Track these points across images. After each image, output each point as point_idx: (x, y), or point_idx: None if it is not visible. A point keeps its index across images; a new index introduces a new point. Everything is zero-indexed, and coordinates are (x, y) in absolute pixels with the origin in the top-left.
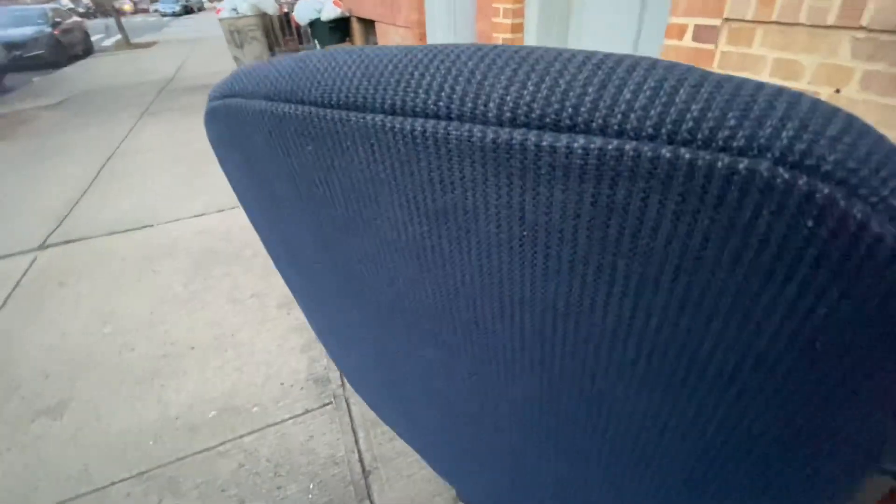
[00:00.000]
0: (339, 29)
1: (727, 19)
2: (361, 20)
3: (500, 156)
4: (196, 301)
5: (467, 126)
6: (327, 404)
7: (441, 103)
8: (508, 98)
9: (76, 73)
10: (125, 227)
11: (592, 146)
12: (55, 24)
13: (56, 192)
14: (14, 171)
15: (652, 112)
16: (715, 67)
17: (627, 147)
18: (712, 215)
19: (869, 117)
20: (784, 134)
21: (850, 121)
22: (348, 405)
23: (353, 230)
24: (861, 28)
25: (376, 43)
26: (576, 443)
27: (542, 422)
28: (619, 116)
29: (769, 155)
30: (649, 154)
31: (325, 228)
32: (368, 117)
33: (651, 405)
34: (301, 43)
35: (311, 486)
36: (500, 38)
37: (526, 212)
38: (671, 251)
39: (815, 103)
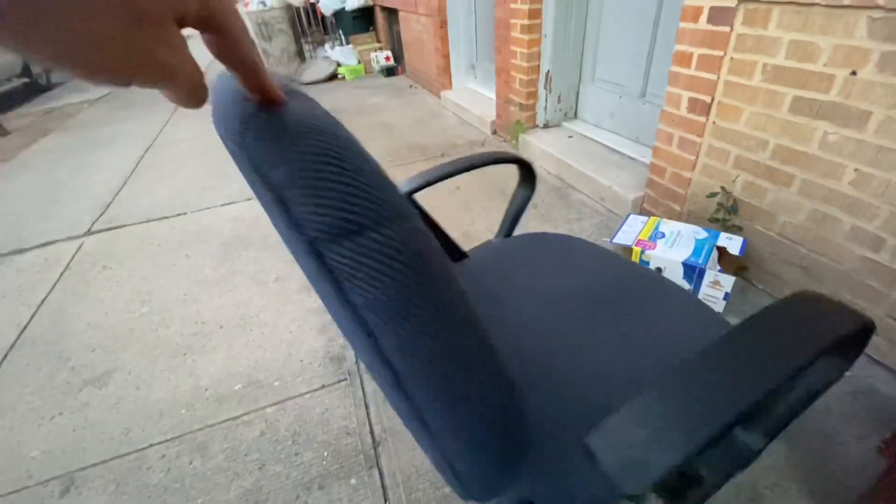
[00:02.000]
0: (363, 18)
1: (743, 0)
2: (385, 9)
3: None
4: (225, 283)
5: None
6: (342, 380)
7: None
8: None
9: None
10: (161, 215)
11: None
12: None
13: (100, 180)
14: (63, 161)
15: None
16: (730, 50)
17: None
18: None
19: (886, 100)
20: None
21: None
22: (361, 382)
23: None
24: (878, 7)
25: (399, 31)
26: None
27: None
28: None
29: None
30: None
31: None
32: None
33: None
34: (326, 33)
35: (326, 454)
36: (517, 24)
37: None
38: None
39: None
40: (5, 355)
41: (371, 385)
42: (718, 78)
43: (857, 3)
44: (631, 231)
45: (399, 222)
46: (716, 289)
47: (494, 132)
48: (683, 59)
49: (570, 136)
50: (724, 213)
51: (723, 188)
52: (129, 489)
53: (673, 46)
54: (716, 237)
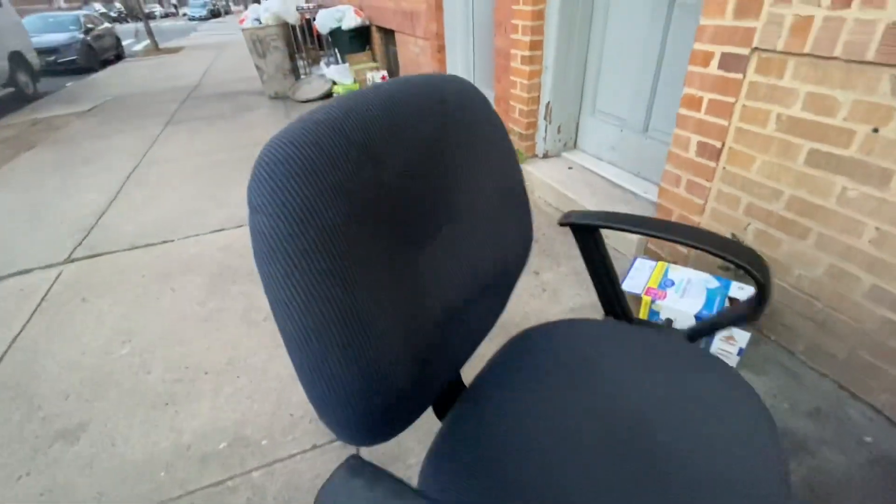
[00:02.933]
0: (360, 38)
1: (756, 49)
2: (381, 29)
3: None
4: (212, 321)
5: None
6: (335, 440)
7: None
8: None
9: (107, 79)
10: (146, 242)
11: None
12: (87, 31)
13: (84, 201)
14: (46, 179)
15: None
16: (742, 97)
17: None
18: None
19: None
20: None
21: None
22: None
23: None
24: None
25: (396, 52)
26: None
27: None
28: None
29: None
30: None
31: None
32: None
33: None
34: (321, 50)
35: None
36: (518, 54)
37: None
38: None
39: None
40: None
41: (367, 448)
42: (729, 124)
43: (879, 60)
44: (639, 277)
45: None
46: (730, 343)
47: None
48: (693, 103)
49: (570, 167)
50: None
51: (733, 235)
52: None
53: (678, 84)
54: (727, 286)
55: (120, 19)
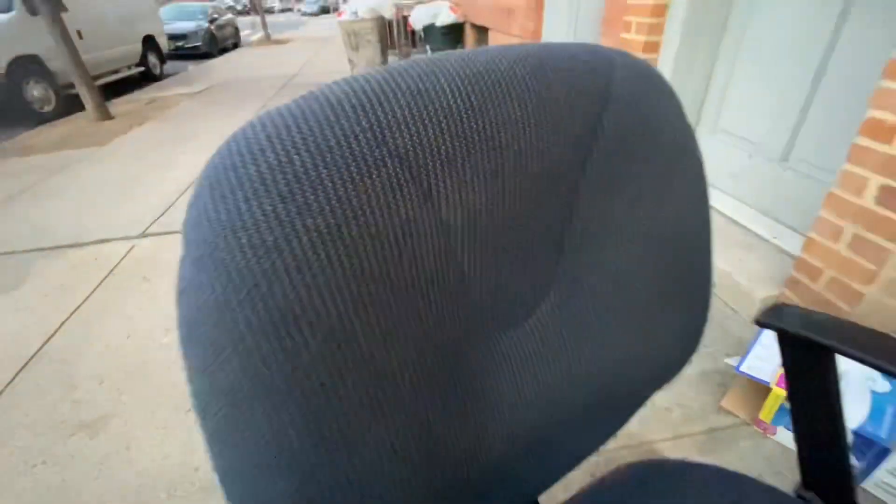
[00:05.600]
0: (453, 34)
1: None
2: (475, 27)
3: None
4: None
5: None
6: None
7: None
8: None
9: (221, 65)
10: None
11: None
12: (212, 20)
13: (172, 177)
14: (147, 154)
15: None
16: None
17: None
18: None
19: None
20: None
21: None
22: None
23: None
24: None
25: None
26: None
27: None
28: None
29: None
30: None
31: None
32: None
33: None
34: (414, 46)
35: None
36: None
37: None
38: None
39: None
40: (24, 365)
41: None
42: None
43: None
44: (765, 358)
45: None
46: None
47: None
48: (880, 131)
49: None
50: None
51: None
52: None
53: (849, 104)
54: None
55: (244, 12)
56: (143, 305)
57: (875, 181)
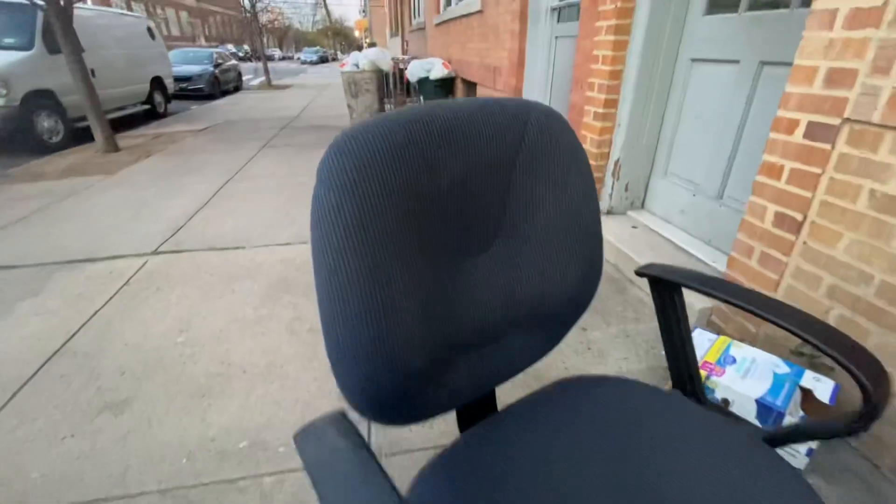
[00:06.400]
0: (444, 87)
1: (848, 119)
2: (465, 81)
3: None
4: (260, 325)
5: None
6: None
7: None
8: None
9: (224, 106)
10: (222, 245)
11: None
12: (217, 65)
13: (179, 204)
14: (154, 182)
15: None
16: (830, 169)
17: None
18: None
19: None
20: None
21: None
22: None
23: None
24: None
25: None
26: None
27: None
28: None
29: None
30: None
31: None
32: None
33: None
34: (408, 96)
35: None
36: (591, 111)
37: None
38: None
39: None
40: (49, 358)
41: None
42: (813, 196)
43: None
44: (697, 349)
45: None
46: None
47: None
48: (773, 171)
49: (634, 227)
50: (812, 349)
51: None
52: None
53: (759, 153)
54: (799, 375)
55: (246, 58)
56: (157, 310)
57: (771, 208)
